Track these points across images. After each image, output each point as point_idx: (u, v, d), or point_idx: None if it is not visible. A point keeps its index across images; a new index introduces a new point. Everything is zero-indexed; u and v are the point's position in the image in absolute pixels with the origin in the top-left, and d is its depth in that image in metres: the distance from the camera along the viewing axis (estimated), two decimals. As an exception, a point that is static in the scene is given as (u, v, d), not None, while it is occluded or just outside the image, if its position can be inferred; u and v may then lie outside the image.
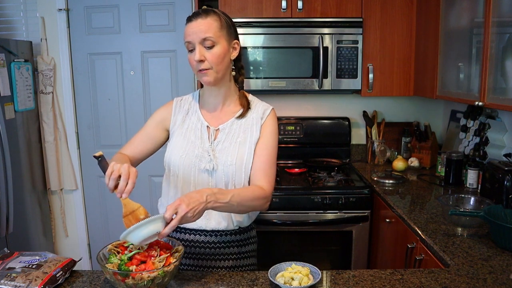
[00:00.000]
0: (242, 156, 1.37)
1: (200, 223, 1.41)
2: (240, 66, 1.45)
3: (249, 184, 1.39)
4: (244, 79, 1.48)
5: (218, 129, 1.42)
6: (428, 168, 2.71)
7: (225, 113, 1.44)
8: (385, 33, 2.60)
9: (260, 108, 1.45)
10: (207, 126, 1.43)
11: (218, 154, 1.37)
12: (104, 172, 1.18)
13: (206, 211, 1.32)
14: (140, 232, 1.08)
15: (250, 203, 1.29)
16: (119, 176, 1.13)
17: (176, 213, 1.11)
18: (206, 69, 1.32)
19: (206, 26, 1.30)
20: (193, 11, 1.41)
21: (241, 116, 1.43)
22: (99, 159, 1.21)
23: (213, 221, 1.40)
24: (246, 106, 1.44)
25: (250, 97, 1.49)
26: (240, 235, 1.46)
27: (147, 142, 1.46)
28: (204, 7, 1.38)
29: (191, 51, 1.33)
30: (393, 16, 2.58)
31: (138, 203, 1.17)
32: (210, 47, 1.31)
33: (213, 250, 1.43)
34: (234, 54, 1.39)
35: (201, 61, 1.31)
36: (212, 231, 1.42)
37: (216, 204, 1.18)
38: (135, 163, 1.45)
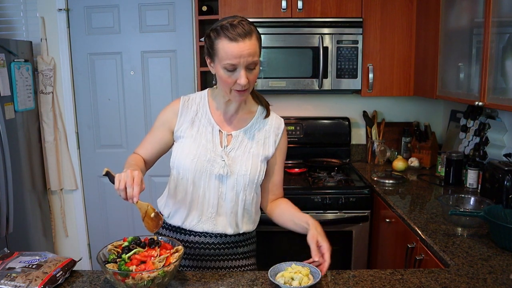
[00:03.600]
0: (256, 168, 1.37)
1: (207, 228, 1.39)
2: None
3: (256, 195, 1.44)
4: None
5: (231, 134, 1.40)
6: (428, 168, 2.71)
7: (238, 118, 1.42)
8: (385, 33, 2.60)
9: (274, 121, 1.45)
10: (219, 130, 1.39)
11: (231, 161, 1.36)
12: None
13: (214, 218, 1.39)
14: None
15: None
16: None
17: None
18: (245, 90, 1.29)
19: (253, 49, 1.24)
20: (232, 25, 1.22)
21: (267, 115, 1.43)
22: (107, 175, 1.22)
23: (220, 227, 1.40)
24: (266, 104, 1.45)
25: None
26: (240, 236, 1.46)
27: (154, 144, 1.44)
28: (241, 21, 1.25)
29: (230, 71, 1.25)
30: (393, 16, 2.58)
31: (146, 202, 1.25)
32: (253, 69, 1.27)
33: (212, 251, 1.42)
34: None
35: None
36: (216, 233, 1.42)
37: None
38: (149, 163, 1.45)
